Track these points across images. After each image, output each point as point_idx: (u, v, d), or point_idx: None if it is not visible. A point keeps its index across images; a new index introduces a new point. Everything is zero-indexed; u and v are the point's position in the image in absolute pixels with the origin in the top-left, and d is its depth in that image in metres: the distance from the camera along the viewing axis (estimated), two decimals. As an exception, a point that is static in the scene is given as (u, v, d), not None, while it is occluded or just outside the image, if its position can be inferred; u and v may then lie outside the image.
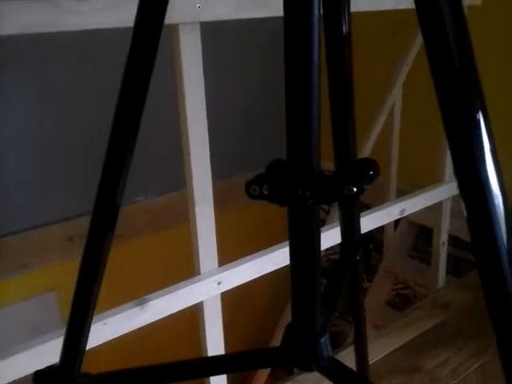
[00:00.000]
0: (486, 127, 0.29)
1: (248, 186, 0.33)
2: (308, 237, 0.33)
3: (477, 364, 1.13)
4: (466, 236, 1.97)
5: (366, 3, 1.03)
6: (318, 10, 0.31)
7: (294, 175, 0.33)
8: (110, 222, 0.39)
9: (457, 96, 0.28)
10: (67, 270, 1.72)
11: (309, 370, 0.36)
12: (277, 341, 1.87)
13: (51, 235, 1.73)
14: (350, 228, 0.49)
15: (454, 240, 2.03)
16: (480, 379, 1.08)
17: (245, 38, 1.88)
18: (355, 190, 0.31)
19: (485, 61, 1.94)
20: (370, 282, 2.28)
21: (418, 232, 2.21)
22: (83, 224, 1.65)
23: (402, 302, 2.19)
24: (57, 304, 1.80)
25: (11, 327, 1.65)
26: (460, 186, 0.30)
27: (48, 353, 0.73)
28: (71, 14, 0.69)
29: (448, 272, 2.07)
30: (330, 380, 0.35)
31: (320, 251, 0.34)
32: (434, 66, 0.29)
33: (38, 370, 0.39)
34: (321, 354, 0.36)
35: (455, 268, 2.06)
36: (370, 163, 0.34)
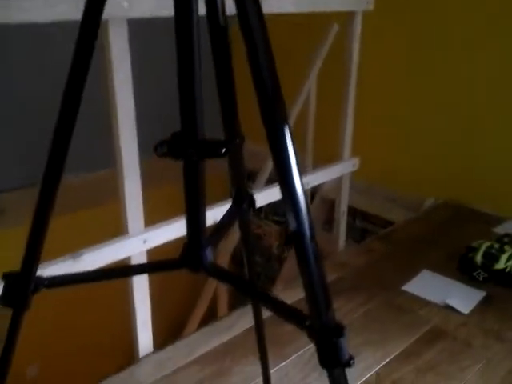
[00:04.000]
0: (285, 129, 0.43)
1: (156, 147, 0.50)
2: (194, 178, 0.51)
3: (362, 310, 1.37)
4: (372, 211, 2.26)
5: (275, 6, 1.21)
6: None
7: (186, 141, 0.50)
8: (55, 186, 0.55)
9: (263, 103, 0.44)
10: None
11: (197, 271, 0.54)
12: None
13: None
14: (238, 186, 0.68)
15: (362, 214, 2.32)
16: (363, 322, 1.33)
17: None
18: (224, 150, 0.49)
19: (378, 57, 2.18)
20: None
21: (330, 207, 2.45)
22: (14, 197, 1.74)
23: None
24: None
25: None
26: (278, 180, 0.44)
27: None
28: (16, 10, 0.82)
29: (356, 241, 2.34)
30: (212, 276, 0.53)
31: (203, 188, 0.52)
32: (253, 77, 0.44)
33: (6, 272, 0.54)
34: (205, 260, 0.54)
35: (362, 237, 2.34)
36: (238, 136, 0.52)
